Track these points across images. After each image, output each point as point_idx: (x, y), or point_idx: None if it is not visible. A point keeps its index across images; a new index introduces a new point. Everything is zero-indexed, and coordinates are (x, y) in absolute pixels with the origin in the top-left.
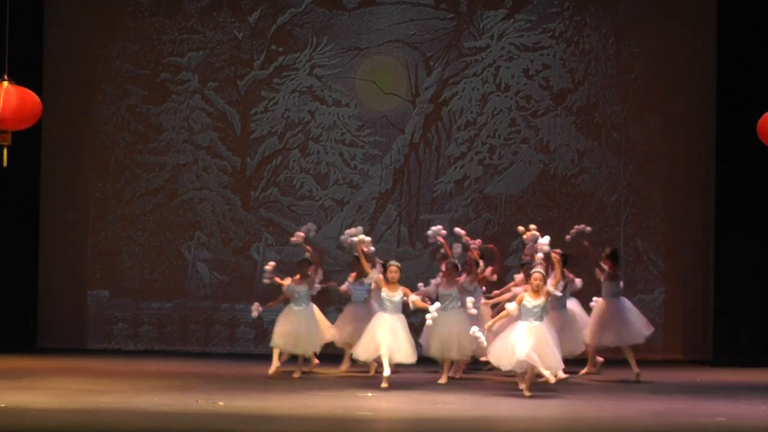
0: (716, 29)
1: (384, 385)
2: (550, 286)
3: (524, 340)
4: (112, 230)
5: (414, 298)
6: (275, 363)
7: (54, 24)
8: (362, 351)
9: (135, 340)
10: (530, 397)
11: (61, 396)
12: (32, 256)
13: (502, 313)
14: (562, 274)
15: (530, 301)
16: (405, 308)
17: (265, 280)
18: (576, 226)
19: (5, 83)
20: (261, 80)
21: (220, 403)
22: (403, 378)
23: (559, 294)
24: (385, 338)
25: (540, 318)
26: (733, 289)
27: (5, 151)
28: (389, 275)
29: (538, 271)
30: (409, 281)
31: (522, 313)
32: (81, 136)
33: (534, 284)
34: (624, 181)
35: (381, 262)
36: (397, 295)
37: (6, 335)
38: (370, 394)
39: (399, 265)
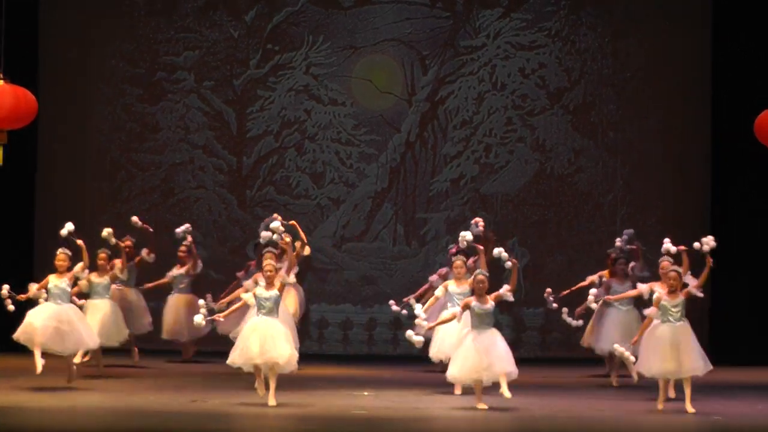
0: (712, 28)
1: (482, 405)
2: (692, 288)
3: (668, 346)
4: None
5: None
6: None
7: (50, 23)
8: (459, 371)
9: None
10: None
11: (57, 395)
12: (28, 255)
13: (645, 322)
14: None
15: (668, 302)
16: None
17: (10, 308)
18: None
19: (0, 82)
20: (257, 79)
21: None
22: (400, 377)
23: (700, 295)
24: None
25: (680, 318)
26: (729, 288)
27: (0, 150)
28: (478, 285)
29: (674, 269)
30: (405, 280)
31: (661, 315)
32: (77, 135)
33: (670, 284)
34: (620, 180)
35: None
36: (490, 305)
37: (2, 334)
38: (366, 393)
39: (487, 274)
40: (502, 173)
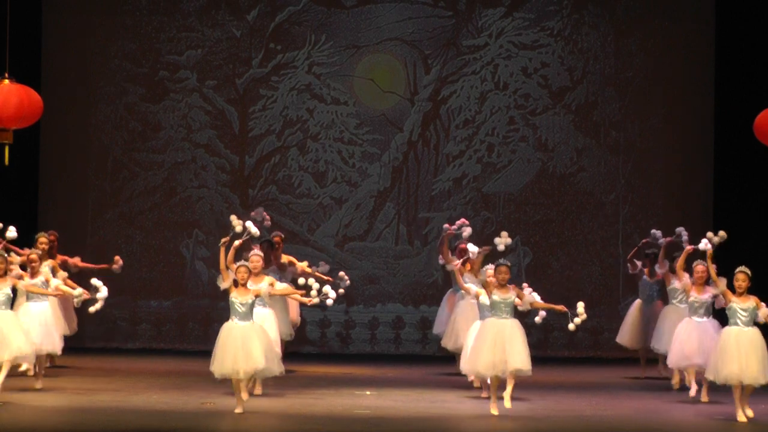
0: (714, 27)
1: (494, 411)
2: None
3: (733, 350)
4: (111, 229)
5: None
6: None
7: (53, 23)
8: (470, 364)
9: (133, 338)
10: (751, 418)
11: (59, 395)
12: None
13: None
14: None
15: (738, 304)
16: None
17: None
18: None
19: (6, 81)
20: (259, 78)
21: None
22: (403, 376)
23: None
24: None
25: (749, 323)
26: (732, 289)
27: (6, 150)
28: (499, 276)
29: (743, 271)
30: (407, 279)
31: (729, 316)
32: (80, 134)
33: (739, 285)
34: (622, 179)
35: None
36: (510, 296)
37: None
38: (368, 393)
39: (509, 264)
40: (505, 172)
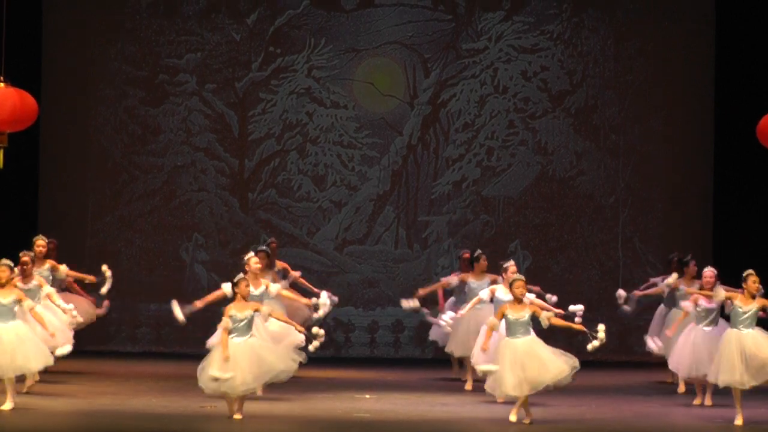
0: (715, 30)
1: (527, 420)
2: None
3: (735, 354)
4: (110, 232)
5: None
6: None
7: (52, 25)
8: (510, 387)
9: (133, 341)
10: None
11: (58, 398)
12: None
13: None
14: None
15: (741, 306)
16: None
17: None
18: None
19: (1, 84)
20: (259, 82)
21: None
22: (402, 379)
23: None
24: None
25: (749, 325)
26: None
27: (1, 153)
28: (517, 291)
29: (752, 273)
30: (407, 283)
31: (731, 318)
32: (79, 137)
33: (753, 287)
34: (622, 182)
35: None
36: (525, 314)
37: None
38: (368, 396)
39: (524, 278)
40: (504, 176)
